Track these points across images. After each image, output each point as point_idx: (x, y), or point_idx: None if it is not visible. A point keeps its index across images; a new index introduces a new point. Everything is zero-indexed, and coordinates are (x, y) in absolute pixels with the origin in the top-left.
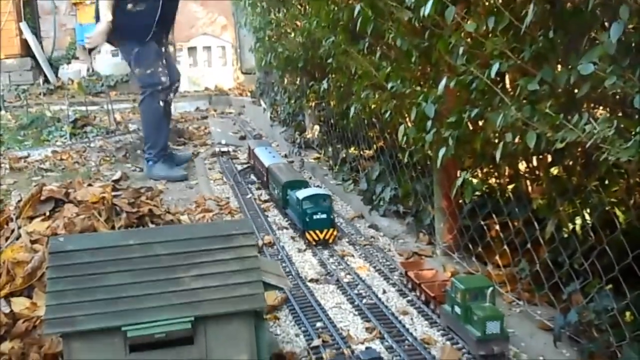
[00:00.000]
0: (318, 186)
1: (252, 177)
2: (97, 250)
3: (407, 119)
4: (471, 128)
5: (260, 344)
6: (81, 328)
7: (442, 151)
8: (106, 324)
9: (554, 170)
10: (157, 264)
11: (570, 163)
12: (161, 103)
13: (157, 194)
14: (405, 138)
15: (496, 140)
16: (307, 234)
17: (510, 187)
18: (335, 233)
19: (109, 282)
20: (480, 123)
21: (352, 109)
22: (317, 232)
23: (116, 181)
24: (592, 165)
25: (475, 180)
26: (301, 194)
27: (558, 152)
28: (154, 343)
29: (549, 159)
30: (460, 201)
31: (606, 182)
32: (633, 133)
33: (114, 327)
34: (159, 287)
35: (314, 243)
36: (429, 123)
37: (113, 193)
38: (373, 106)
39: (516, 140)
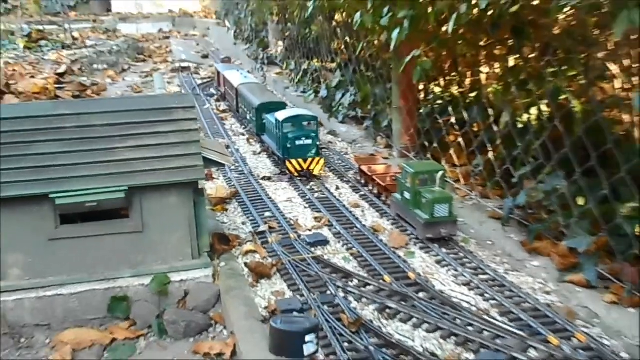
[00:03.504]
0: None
1: (212, 90)
2: (27, 119)
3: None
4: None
5: (199, 221)
6: (7, 194)
7: (395, 32)
8: (33, 191)
9: (511, 60)
10: (91, 134)
11: (529, 50)
12: None
13: (104, 89)
14: (359, 23)
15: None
16: (287, 163)
17: (472, 94)
18: (322, 163)
19: (38, 150)
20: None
21: (311, 6)
22: (300, 161)
23: (61, 74)
24: (549, 51)
25: (425, 59)
26: (281, 115)
27: (517, 37)
28: (87, 215)
29: (506, 50)
30: (419, 109)
31: (563, 68)
32: None
33: (42, 194)
34: (92, 157)
35: (296, 174)
36: (385, 9)
37: (56, 85)
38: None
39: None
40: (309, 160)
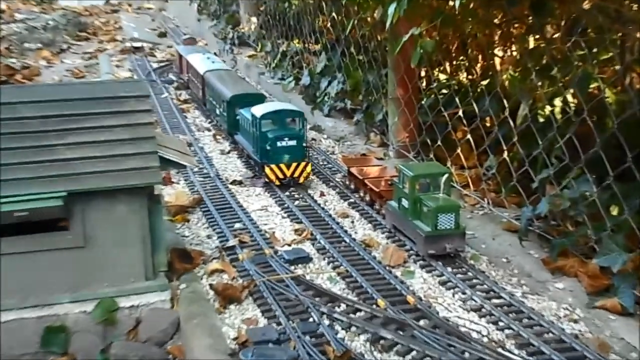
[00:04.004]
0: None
1: (171, 75)
2: None
3: None
4: None
5: (155, 234)
6: None
7: (392, 7)
8: None
9: (531, 40)
10: (22, 128)
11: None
12: None
13: (37, 73)
14: None
15: None
16: (267, 170)
17: (483, 82)
18: (309, 169)
19: None
20: None
21: None
22: (283, 166)
23: None
24: (577, 30)
25: (428, 39)
26: (259, 110)
27: (538, 13)
28: (17, 227)
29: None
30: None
31: (593, 50)
32: None
33: None
34: (23, 157)
35: (277, 183)
36: None
37: None
38: None
39: None
40: (293, 165)
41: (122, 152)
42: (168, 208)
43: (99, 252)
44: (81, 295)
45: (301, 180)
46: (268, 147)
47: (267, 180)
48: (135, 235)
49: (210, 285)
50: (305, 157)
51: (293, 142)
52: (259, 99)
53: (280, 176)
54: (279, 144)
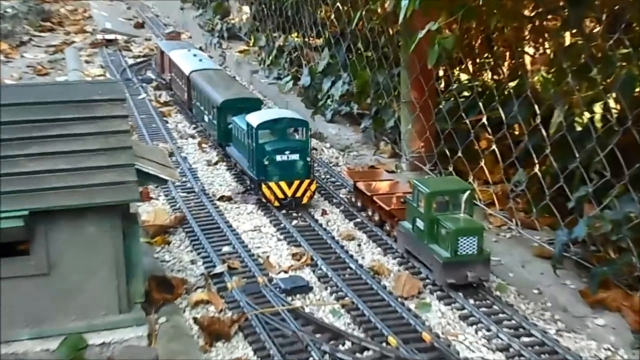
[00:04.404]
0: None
1: (149, 73)
2: None
3: None
4: None
5: (130, 259)
6: None
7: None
8: None
9: (567, 37)
10: None
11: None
12: None
13: None
14: None
15: None
16: (264, 188)
17: (511, 84)
18: (313, 188)
19: None
20: None
21: None
22: (283, 184)
23: None
24: (620, 25)
25: (447, 35)
26: (255, 118)
27: (574, 5)
28: None
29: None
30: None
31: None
32: None
33: None
34: None
35: (276, 204)
36: None
37: None
38: None
39: None
40: (296, 183)
41: (93, 164)
42: (146, 228)
43: (65, 280)
44: (43, 331)
45: (304, 200)
46: (266, 162)
47: (264, 199)
48: (107, 260)
49: (194, 319)
50: (309, 174)
51: (295, 156)
52: (256, 104)
53: (280, 196)
54: (278, 158)
